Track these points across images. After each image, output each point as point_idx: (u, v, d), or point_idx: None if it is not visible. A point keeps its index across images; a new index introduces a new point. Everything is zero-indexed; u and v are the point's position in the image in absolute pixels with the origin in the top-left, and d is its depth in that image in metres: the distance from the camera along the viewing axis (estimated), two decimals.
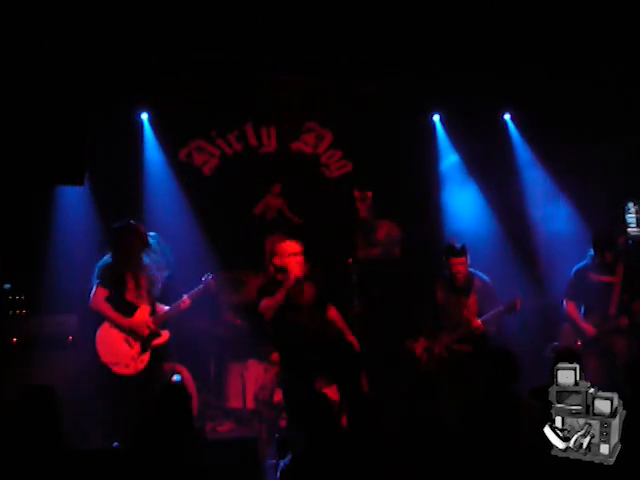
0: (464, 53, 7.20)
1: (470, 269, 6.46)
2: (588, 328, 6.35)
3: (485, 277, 6.51)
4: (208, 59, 7.25)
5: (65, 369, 6.03)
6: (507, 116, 8.01)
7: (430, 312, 6.49)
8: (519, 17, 6.82)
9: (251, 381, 6.68)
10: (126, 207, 7.06)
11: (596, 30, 6.84)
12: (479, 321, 6.31)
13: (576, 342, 6.36)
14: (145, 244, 6.01)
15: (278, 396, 6.50)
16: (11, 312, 6.36)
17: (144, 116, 7.63)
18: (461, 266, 6.38)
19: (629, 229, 7.26)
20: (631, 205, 7.30)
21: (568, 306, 6.51)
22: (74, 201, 7.12)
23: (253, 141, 8.13)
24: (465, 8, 6.74)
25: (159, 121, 7.70)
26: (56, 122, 7.01)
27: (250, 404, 6.64)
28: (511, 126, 8.01)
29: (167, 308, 6.07)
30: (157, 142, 7.67)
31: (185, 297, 6.02)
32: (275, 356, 6.83)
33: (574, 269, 6.53)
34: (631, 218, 7.28)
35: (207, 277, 6.12)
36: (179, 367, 6.61)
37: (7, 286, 6.43)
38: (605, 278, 6.38)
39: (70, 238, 6.88)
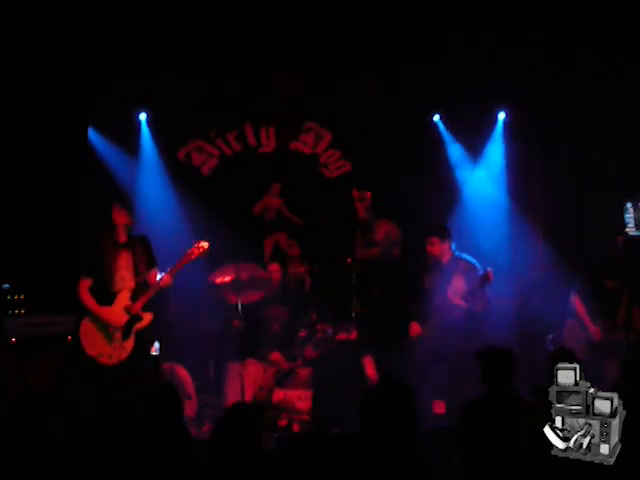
0: (463, 52, 7.21)
1: (456, 252, 6.58)
2: (595, 331, 6.30)
3: (473, 260, 6.55)
4: (207, 59, 7.26)
5: (64, 369, 6.02)
6: (501, 115, 8.00)
7: (421, 299, 6.55)
8: (518, 15, 6.83)
9: (250, 381, 6.67)
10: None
11: (596, 28, 6.84)
12: (459, 299, 6.37)
13: (580, 338, 6.30)
14: (121, 221, 5.82)
15: (277, 396, 6.51)
16: (10, 312, 6.35)
17: (142, 116, 7.64)
18: (430, 246, 6.54)
19: (627, 229, 7.25)
20: (629, 205, 7.29)
21: (575, 301, 6.46)
22: (74, 200, 7.12)
23: (252, 141, 8.13)
24: (464, 8, 6.75)
25: (158, 121, 7.70)
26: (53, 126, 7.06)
27: None
28: (500, 125, 8.00)
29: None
30: (154, 142, 7.68)
31: (164, 274, 5.85)
32: (274, 356, 6.84)
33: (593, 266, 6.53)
34: (629, 218, 7.27)
35: (190, 248, 5.95)
36: (178, 367, 6.62)
37: (6, 286, 6.43)
38: (614, 284, 6.34)
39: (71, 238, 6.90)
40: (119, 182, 7.41)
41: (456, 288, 6.48)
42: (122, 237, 5.85)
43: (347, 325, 6.77)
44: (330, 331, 6.91)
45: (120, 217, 5.83)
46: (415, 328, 6.57)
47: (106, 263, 5.80)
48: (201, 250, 5.90)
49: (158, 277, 5.90)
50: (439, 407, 6.34)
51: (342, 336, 6.83)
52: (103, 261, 5.81)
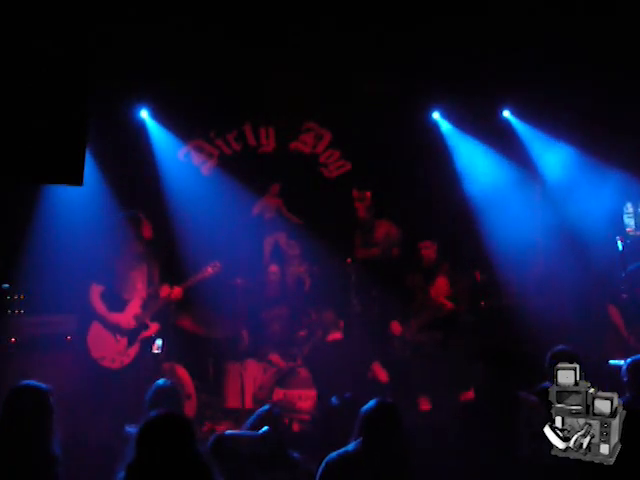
0: (463, 50, 7.20)
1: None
2: (630, 339, 6.21)
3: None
4: (207, 59, 7.25)
5: (64, 369, 6.04)
6: (507, 113, 8.00)
7: (402, 298, 6.69)
8: (518, 13, 6.83)
9: (250, 381, 6.68)
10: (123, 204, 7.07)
11: (596, 26, 6.84)
12: (444, 299, 6.50)
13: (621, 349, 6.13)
14: (144, 233, 6.03)
15: (277, 395, 6.51)
16: (10, 312, 6.37)
17: (144, 114, 7.63)
18: (425, 249, 6.72)
19: (627, 230, 7.24)
20: (629, 206, 7.28)
21: (612, 311, 6.40)
22: (74, 200, 7.10)
23: (252, 141, 8.13)
24: (466, 6, 6.76)
25: (158, 121, 7.70)
26: (55, 120, 7.03)
27: (249, 404, 6.63)
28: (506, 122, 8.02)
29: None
30: (154, 142, 7.69)
31: (175, 288, 6.12)
32: (273, 357, 6.84)
33: (630, 269, 6.44)
34: (629, 219, 7.26)
35: (205, 266, 6.19)
36: (178, 367, 6.62)
37: (6, 286, 6.44)
38: None
39: (70, 237, 6.88)
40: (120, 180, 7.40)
41: (440, 288, 6.53)
42: (141, 248, 6.00)
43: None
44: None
45: (145, 229, 5.99)
46: (396, 327, 6.60)
47: (121, 272, 5.92)
48: (216, 269, 6.10)
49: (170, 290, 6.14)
50: (425, 404, 6.40)
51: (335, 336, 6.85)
52: (118, 270, 5.92)
